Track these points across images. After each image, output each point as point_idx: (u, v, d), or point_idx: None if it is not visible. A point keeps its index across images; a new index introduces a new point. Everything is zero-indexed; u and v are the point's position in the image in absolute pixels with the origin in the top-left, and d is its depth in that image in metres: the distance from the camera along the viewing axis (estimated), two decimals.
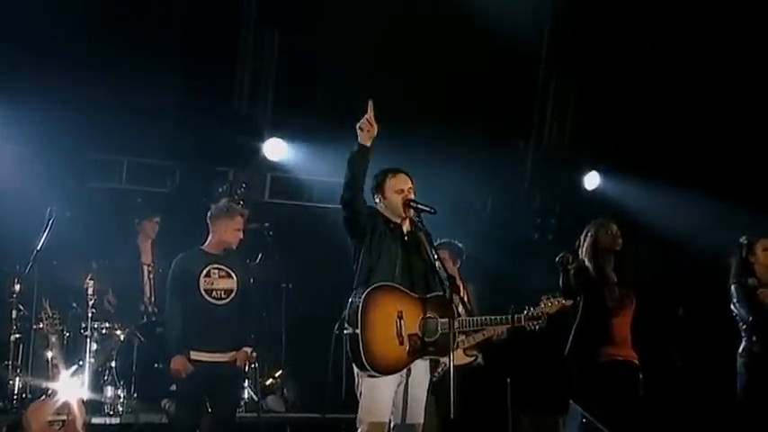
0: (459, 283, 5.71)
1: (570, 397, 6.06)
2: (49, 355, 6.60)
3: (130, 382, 7.71)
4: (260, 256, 8.54)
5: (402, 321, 5.09)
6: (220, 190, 9.01)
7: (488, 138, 9.70)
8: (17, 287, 7.51)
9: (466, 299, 6.30)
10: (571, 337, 6.36)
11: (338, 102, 8.92)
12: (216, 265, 6.51)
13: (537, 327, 5.54)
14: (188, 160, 9.35)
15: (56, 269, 7.72)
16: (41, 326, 6.92)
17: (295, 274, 8.83)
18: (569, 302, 5.99)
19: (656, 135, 9.94)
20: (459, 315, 5.40)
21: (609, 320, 6.26)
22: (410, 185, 5.35)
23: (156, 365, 7.42)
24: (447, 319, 5.05)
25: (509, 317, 5.51)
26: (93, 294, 7.60)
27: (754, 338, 6.73)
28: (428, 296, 5.21)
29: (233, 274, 6.55)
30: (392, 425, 5.19)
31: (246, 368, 7.60)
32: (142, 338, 7.80)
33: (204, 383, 6.45)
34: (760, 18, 9.35)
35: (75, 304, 7.89)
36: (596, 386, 6.13)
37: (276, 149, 9.53)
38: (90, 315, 7.59)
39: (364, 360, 5.02)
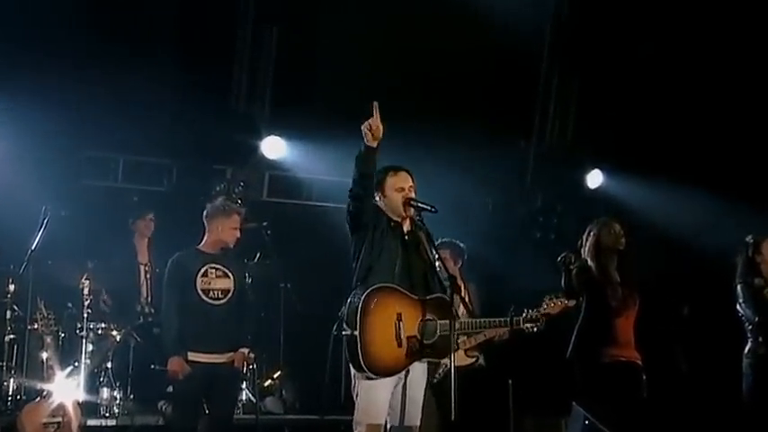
0: (460, 283, 5.68)
1: (573, 398, 6.02)
2: (44, 356, 6.57)
3: (127, 383, 7.66)
4: (258, 255, 8.52)
5: (401, 323, 5.06)
6: (218, 188, 8.98)
7: (490, 136, 9.69)
8: (11, 287, 7.48)
9: (467, 299, 6.27)
10: (573, 338, 6.34)
11: (337, 100, 8.95)
12: (213, 265, 6.47)
13: (535, 329, 5.51)
14: (185, 158, 9.32)
15: (51, 269, 7.69)
16: (36, 326, 6.83)
17: (294, 274, 8.80)
18: (572, 303, 6.03)
19: (658, 133, 9.95)
20: (459, 316, 5.36)
21: (612, 321, 6.22)
22: (411, 184, 5.30)
23: (152, 366, 7.36)
24: (446, 321, 5.03)
25: (507, 319, 5.48)
26: (88, 294, 7.58)
27: (761, 339, 6.73)
28: (427, 298, 5.17)
29: (230, 274, 6.51)
30: (389, 427, 5.16)
31: (244, 369, 7.61)
32: (138, 339, 7.75)
33: (201, 385, 6.41)
34: (762, 16, 9.31)
35: (70, 304, 7.86)
36: (599, 387, 6.09)
37: (274, 148, 9.51)
38: (85, 315, 7.58)
39: (362, 362, 4.99)
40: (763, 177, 9.43)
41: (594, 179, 10.41)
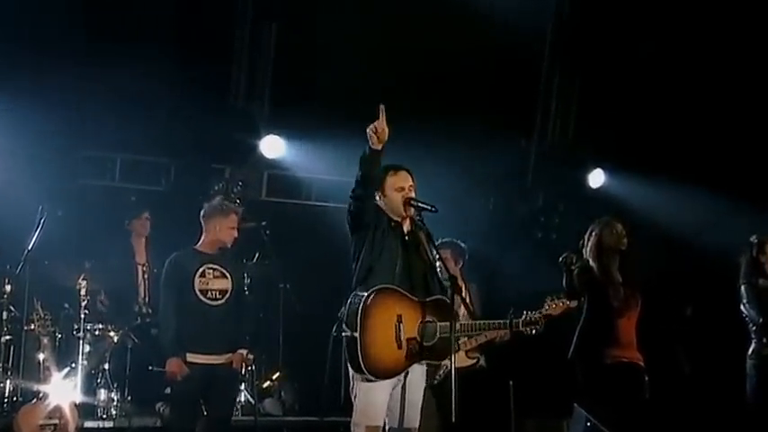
0: (461, 283, 5.62)
1: (574, 400, 6.03)
2: (41, 357, 6.57)
3: (124, 384, 7.63)
4: (257, 255, 8.50)
5: (401, 325, 5.04)
6: (216, 188, 8.99)
7: (491, 135, 9.66)
8: (8, 288, 7.45)
9: (468, 300, 6.24)
10: (575, 339, 6.33)
11: (337, 98, 8.94)
12: (211, 265, 6.44)
13: (534, 331, 5.48)
14: (183, 157, 9.29)
15: (47, 269, 7.66)
16: (33, 327, 6.85)
17: (293, 274, 8.77)
18: (574, 304, 6.00)
19: (660, 132, 9.92)
20: (460, 317, 5.33)
21: (614, 321, 6.21)
22: (411, 183, 5.29)
23: (150, 368, 7.33)
24: (446, 323, 5.01)
25: (506, 322, 5.45)
26: (85, 295, 7.54)
27: (764, 340, 6.77)
28: (427, 299, 5.16)
29: (228, 275, 6.48)
30: (387, 429, 5.15)
31: (243, 370, 7.59)
32: (136, 340, 7.73)
33: (199, 386, 6.38)
34: (764, 16, 9.28)
35: (67, 305, 7.82)
36: (601, 389, 6.07)
37: (273, 147, 9.49)
38: (82, 316, 7.53)
39: (362, 364, 4.97)
40: (765, 176, 9.42)
41: (596, 178, 10.39)
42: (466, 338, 6.57)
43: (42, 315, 6.68)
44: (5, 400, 7.31)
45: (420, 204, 5.21)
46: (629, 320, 6.23)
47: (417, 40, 9.24)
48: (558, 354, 6.45)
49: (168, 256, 6.60)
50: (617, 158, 10.14)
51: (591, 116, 10.25)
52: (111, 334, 7.72)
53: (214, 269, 6.42)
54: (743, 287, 6.78)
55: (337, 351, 5.15)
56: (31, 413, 6.23)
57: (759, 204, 8.67)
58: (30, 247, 7.30)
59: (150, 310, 8.05)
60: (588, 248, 6.33)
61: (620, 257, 6.29)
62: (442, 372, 6.15)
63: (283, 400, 8.65)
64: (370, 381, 5.01)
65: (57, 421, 6.17)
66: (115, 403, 7.51)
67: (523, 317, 5.43)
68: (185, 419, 6.45)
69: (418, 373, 5.19)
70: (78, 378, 7.39)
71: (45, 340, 6.62)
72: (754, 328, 6.74)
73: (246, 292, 7.31)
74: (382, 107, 4.95)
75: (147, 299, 8.22)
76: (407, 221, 5.29)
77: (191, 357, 6.29)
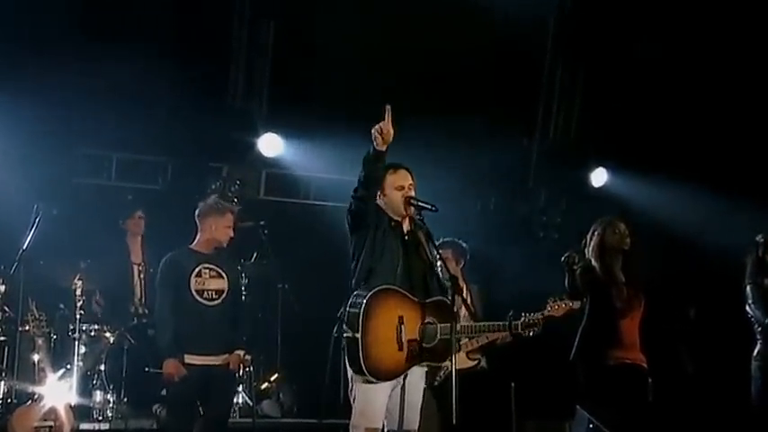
0: (461, 283, 5.60)
1: (576, 401, 6.00)
2: (36, 358, 6.53)
3: (120, 386, 7.61)
4: (255, 255, 8.49)
5: (402, 326, 5.03)
6: (214, 187, 8.99)
7: (492, 133, 9.63)
8: (2, 288, 7.38)
9: (469, 300, 6.21)
10: (577, 340, 6.26)
11: (335, 97, 8.94)
12: (207, 265, 6.41)
13: (532, 334, 5.50)
14: (180, 156, 9.25)
15: (42, 269, 7.62)
16: (28, 328, 6.81)
17: (291, 274, 8.75)
18: (577, 305, 6.01)
19: (663, 131, 9.90)
20: (461, 317, 5.35)
21: (616, 322, 6.15)
22: (410, 182, 5.28)
23: (146, 369, 7.30)
24: (446, 325, 5.00)
25: (506, 324, 5.45)
26: (81, 295, 7.52)
27: None
28: (428, 300, 5.15)
29: (224, 274, 6.45)
30: (386, 430, 5.14)
31: (240, 371, 7.55)
32: (132, 341, 7.70)
33: (196, 387, 6.34)
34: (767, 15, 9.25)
35: (62, 305, 7.79)
36: (603, 390, 6.01)
37: (271, 145, 9.46)
38: (78, 317, 7.52)
39: (363, 365, 4.96)
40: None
41: (599, 177, 10.37)
42: (467, 340, 6.55)
43: (37, 315, 6.67)
44: (0, 401, 7.27)
45: (420, 203, 5.20)
46: (632, 321, 6.18)
47: (417, 38, 9.21)
48: (559, 355, 6.40)
49: (164, 255, 6.57)
50: (620, 157, 10.12)
51: (594, 114, 10.23)
52: (107, 335, 7.71)
53: (210, 269, 6.40)
54: (748, 287, 6.73)
55: (337, 352, 5.14)
56: (26, 415, 6.21)
57: (763, 203, 8.62)
58: (24, 247, 7.26)
59: (146, 311, 8.03)
60: (591, 248, 6.27)
61: (622, 257, 6.24)
62: (442, 373, 6.13)
63: (282, 401, 8.63)
64: (370, 382, 4.99)
65: (52, 423, 6.16)
66: (111, 405, 7.49)
67: (522, 319, 5.44)
68: (182, 421, 6.41)
69: (417, 374, 5.18)
70: (74, 379, 7.41)
71: (40, 341, 6.59)
72: (759, 328, 6.68)
73: (244, 293, 7.27)
74: (388, 108, 4.94)
75: (143, 299, 8.21)
76: (407, 220, 5.27)
77: (188, 359, 6.26)
